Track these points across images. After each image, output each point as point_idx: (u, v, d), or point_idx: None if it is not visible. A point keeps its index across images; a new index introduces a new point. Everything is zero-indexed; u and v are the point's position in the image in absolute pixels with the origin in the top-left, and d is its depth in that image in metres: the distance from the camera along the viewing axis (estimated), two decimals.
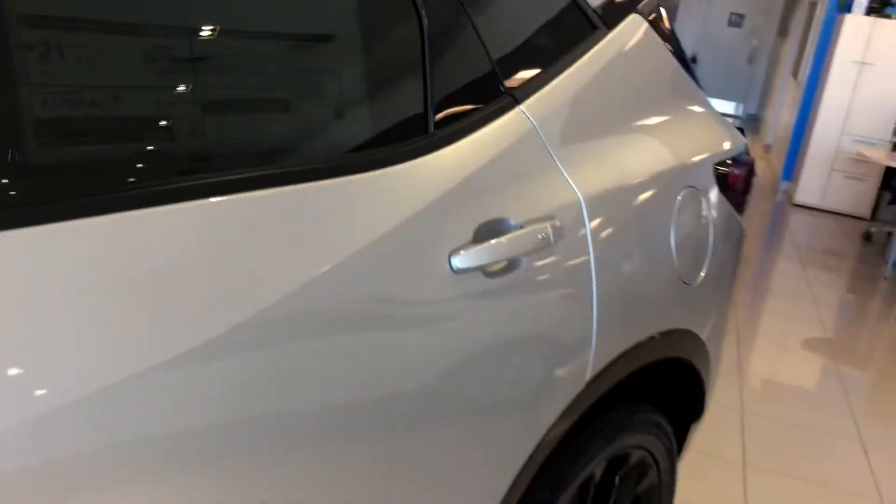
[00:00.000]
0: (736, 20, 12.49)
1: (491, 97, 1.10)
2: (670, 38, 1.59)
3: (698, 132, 1.58)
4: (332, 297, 0.83)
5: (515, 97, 1.14)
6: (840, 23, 6.67)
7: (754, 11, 12.49)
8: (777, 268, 5.20)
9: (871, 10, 6.62)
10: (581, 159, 1.22)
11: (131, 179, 0.72)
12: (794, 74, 8.64)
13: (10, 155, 0.65)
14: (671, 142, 1.45)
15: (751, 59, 12.66)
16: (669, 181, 1.40)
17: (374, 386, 0.89)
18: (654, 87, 1.48)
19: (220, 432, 0.74)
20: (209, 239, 0.75)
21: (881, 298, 4.83)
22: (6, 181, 0.65)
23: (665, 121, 1.47)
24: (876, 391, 3.44)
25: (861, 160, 6.68)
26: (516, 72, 1.15)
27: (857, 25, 6.53)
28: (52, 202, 0.66)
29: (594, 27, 1.34)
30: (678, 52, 1.60)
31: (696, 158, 1.51)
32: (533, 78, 1.18)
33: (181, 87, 0.77)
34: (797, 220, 6.60)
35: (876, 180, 6.77)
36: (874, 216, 6.84)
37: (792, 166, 7.53)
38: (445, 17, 1.05)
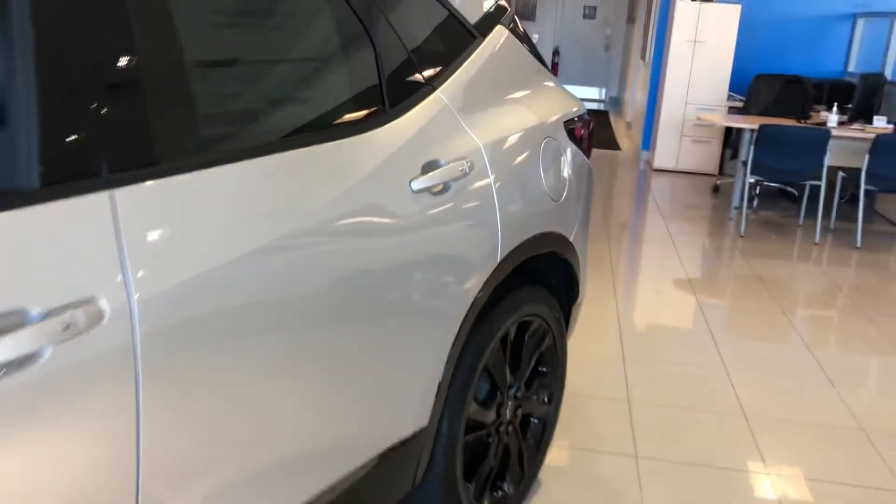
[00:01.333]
0: (590, 13, 13.65)
1: (418, 87, 1.79)
2: (524, 38, 2.32)
3: (552, 102, 2.32)
4: (343, 210, 1.49)
5: (433, 86, 1.83)
6: (673, 8, 7.72)
7: (605, 2, 13.68)
8: (645, 222, 6.10)
9: None
10: (477, 122, 1.92)
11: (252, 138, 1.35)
12: (643, 57, 9.73)
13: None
14: (534, 108, 2.18)
15: (606, 47, 13.85)
16: (535, 133, 2.13)
17: (370, 267, 1.55)
18: (518, 73, 2.20)
19: (285, 286, 1.39)
20: (290, 174, 1.39)
21: (729, 237, 5.81)
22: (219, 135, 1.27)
23: (528, 94, 2.20)
24: (731, 314, 4.31)
25: (704, 125, 7.76)
26: (430, 69, 1.84)
27: (687, 10, 7.59)
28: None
29: (474, 36, 2.05)
30: (532, 48, 2.34)
31: (552, 118, 2.25)
32: (440, 72, 1.87)
33: (251, 78, 1.41)
34: (658, 182, 7.60)
35: (718, 141, 7.87)
36: (721, 171, 7.94)
37: (649, 137, 8.57)
38: (386, 40, 1.73)
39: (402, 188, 1.64)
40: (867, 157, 5.54)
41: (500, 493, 2.25)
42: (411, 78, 1.78)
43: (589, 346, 3.67)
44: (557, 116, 2.29)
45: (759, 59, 8.04)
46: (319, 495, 1.53)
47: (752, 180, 6.03)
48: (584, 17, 13.69)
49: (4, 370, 0.96)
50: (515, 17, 2.36)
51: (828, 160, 5.65)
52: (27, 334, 0.97)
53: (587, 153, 2.46)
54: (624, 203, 6.75)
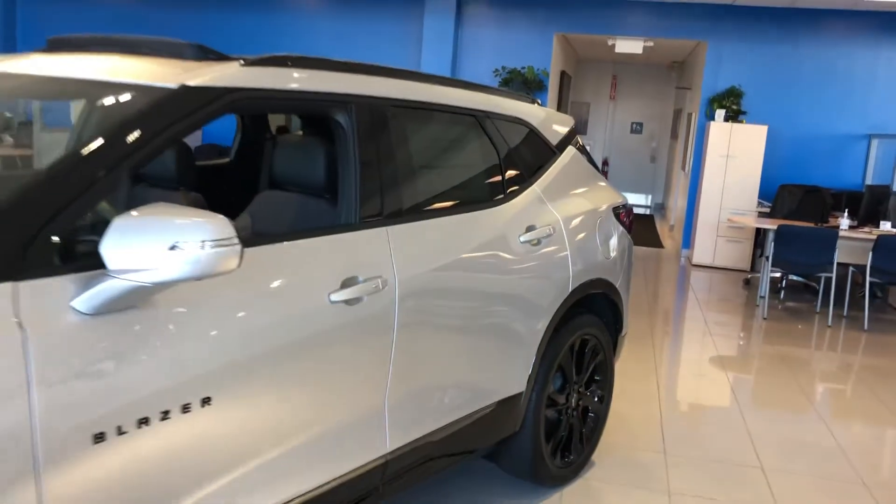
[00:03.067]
0: (637, 128, 15.04)
1: (523, 182, 2.97)
2: (585, 152, 3.52)
3: (604, 195, 3.49)
4: (484, 251, 2.64)
5: (531, 182, 3.02)
6: (708, 128, 8.96)
7: (650, 119, 15.09)
8: (685, 309, 7.12)
9: (728, 118, 8.96)
10: (557, 205, 3.09)
11: (425, 205, 2.54)
12: (683, 168, 10.95)
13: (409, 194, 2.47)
14: (592, 199, 3.35)
15: (653, 159, 15.16)
16: (593, 213, 3.29)
17: (500, 285, 2.69)
18: (581, 176, 3.38)
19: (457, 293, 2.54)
20: (447, 232, 2.56)
21: (756, 322, 6.78)
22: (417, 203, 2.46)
23: (588, 189, 3.38)
24: (756, 386, 5.29)
25: (736, 226, 8.84)
26: (528, 172, 3.03)
27: (720, 129, 8.82)
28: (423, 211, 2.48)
29: (555, 152, 3.25)
30: (589, 158, 3.53)
31: (604, 205, 3.42)
32: (534, 174, 3.06)
33: (427, 175, 2.61)
34: (696, 276, 8.63)
35: (750, 241, 8.92)
36: (752, 268, 8.95)
37: (689, 237, 9.66)
38: (505, 155, 2.93)
39: (514, 241, 2.80)
40: (871, 254, 6.55)
41: (567, 457, 3.29)
42: (518, 177, 2.97)
43: (630, 410, 4.68)
44: (608, 204, 3.45)
45: (783, 171, 9.17)
46: (468, 415, 2.63)
47: (776, 274, 7.03)
48: (632, 132, 15.09)
49: (349, 302, 2.12)
50: (579, 138, 3.57)
51: (838, 257, 6.66)
52: (358, 288, 2.14)
53: (629, 230, 3.60)
54: (667, 293, 7.79)
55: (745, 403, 4.64)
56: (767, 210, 8.43)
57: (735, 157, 8.82)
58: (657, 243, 10.75)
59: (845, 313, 7.17)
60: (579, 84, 14.81)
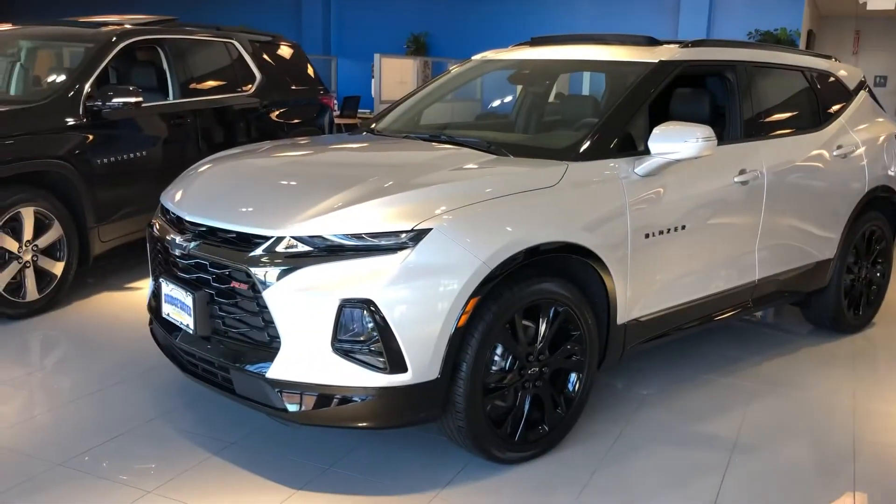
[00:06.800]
0: (881, 81, 15.21)
1: (834, 116, 4.33)
2: (872, 95, 4.77)
3: (887, 125, 4.73)
4: (811, 161, 4.04)
5: (838, 115, 4.37)
6: None
7: (893, 73, 15.16)
8: None
9: None
10: (856, 131, 4.41)
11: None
12: None
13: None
14: (879, 128, 4.63)
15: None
16: (881, 137, 4.56)
17: (819, 184, 4.08)
18: (870, 112, 4.66)
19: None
20: (791, 145, 3.99)
21: None
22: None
23: (875, 122, 4.65)
24: None
25: None
26: (836, 108, 4.38)
27: None
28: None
29: (852, 95, 4.55)
30: (875, 99, 4.78)
31: (887, 133, 4.67)
32: (841, 110, 4.40)
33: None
34: None
35: None
36: None
37: None
38: (822, 94, 4.32)
39: (830, 154, 4.17)
40: None
41: (857, 313, 4.59)
42: (830, 112, 4.32)
43: None
44: (890, 132, 4.68)
45: None
46: (799, 267, 4.07)
47: None
48: (876, 84, 15.26)
49: (743, 182, 3.63)
50: (867, 84, 4.82)
51: None
52: (747, 175, 3.66)
53: None
54: None
55: None
56: None
57: None
58: None
59: None
60: (820, 41, 15.20)
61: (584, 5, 11.62)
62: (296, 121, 6.63)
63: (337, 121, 10.73)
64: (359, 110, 11.56)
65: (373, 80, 11.42)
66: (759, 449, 3.20)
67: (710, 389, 3.76)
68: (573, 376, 3.06)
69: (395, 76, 11.50)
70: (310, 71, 7.11)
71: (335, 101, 11.73)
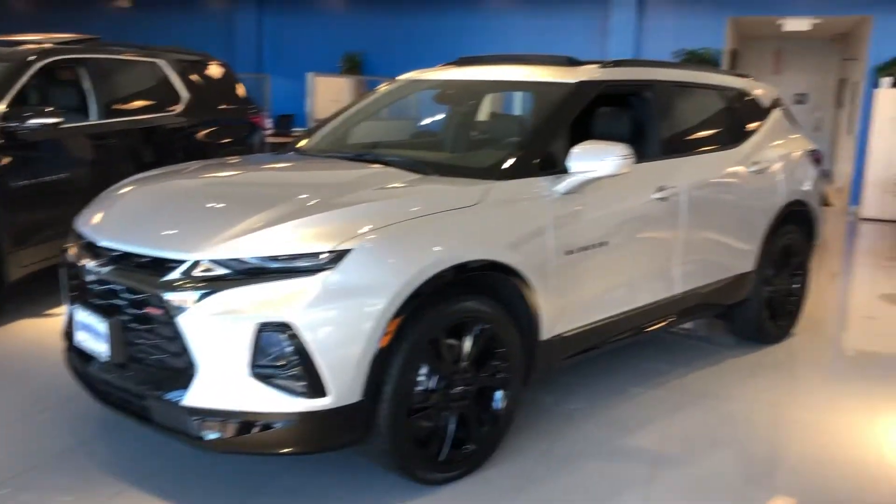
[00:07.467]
0: (801, 99, 15.78)
1: (750, 133, 4.47)
2: (787, 112, 4.95)
3: (801, 142, 4.90)
4: (728, 177, 4.16)
5: (754, 133, 4.51)
6: (876, 94, 9.89)
7: (813, 90, 15.77)
8: (855, 259, 8.24)
9: (894, 85, 9.85)
10: (771, 147, 4.56)
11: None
12: (850, 133, 11.80)
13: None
14: (793, 144, 4.79)
15: (816, 127, 15.83)
16: (795, 154, 4.73)
17: (736, 200, 4.20)
18: (785, 129, 4.83)
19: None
20: (708, 162, 4.10)
21: None
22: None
23: (790, 139, 4.81)
24: None
25: None
26: (752, 125, 4.52)
27: (886, 95, 9.75)
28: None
29: (767, 113, 4.70)
30: (790, 117, 4.95)
31: (801, 150, 4.84)
32: (757, 127, 4.55)
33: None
34: (865, 228, 9.64)
35: None
36: None
37: (857, 193, 10.61)
38: (739, 112, 4.44)
39: (746, 170, 4.29)
40: None
41: (779, 322, 4.73)
42: (746, 130, 4.46)
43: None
44: (804, 149, 4.86)
45: None
46: (719, 280, 4.17)
47: None
48: (796, 102, 15.83)
49: (661, 199, 3.72)
50: (783, 101, 4.99)
51: None
52: (665, 192, 3.75)
53: (819, 167, 4.99)
54: (837, 244, 8.91)
55: None
56: None
57: None
58: (826, 202, 11.67)
59: None
60: (744, 60, 15.72)
61: (517, 26, 11.80)
62: (225, 140, 6.54)
63: (271, 139, 10.62)
64: (293, 129, 11.46)
65: (307, 99, 11.35)
66: (682, 461, 3.25)
67: (638, 402, 3.82)
68: (499, 394, 3.07)
69: (330, 95, 11.45)
70: (240, 90, 7.03)
71: (268, 120, 11.63)
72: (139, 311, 2.69)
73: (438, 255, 2.74)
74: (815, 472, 3.21)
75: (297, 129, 11.40)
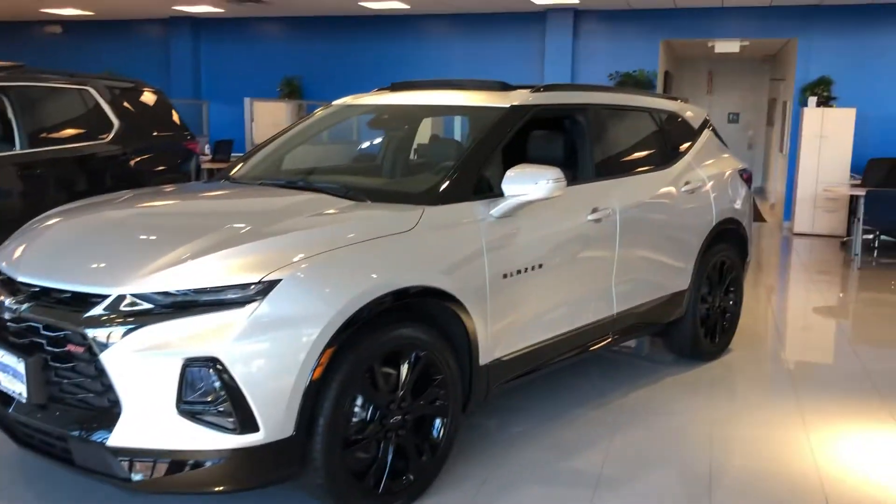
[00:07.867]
0: (734, 118, 16.25)
1: (680, 154, 4.56)
2: (716, 133, 5.06)
3: (731, 162, 5.02)
4: (660, 198, 4.23)
5: (685, 154, 4.60)
6: (802, 113, 10.23)
7: (745, 109, 16.26)
8: (789, 274, 8.47)
9: (820, 104, 10.21)
10: (701, 167, 4.66)
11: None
12: (781, 150, 12.18)
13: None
14: (723, 164, 4.90)
15: (749, 146, 16.31)
16: (725, 173, 4.84)
17: (669, 219, 4.27)
18: (714, 149, 4.94)
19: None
20: (641, 183, 4.17)
21: (854, 277, 8.07)
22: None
23: (720, 158, 4.93)
24: (862, 329, 6.65)
25: (831, 196, 10.08)
26: (683, 147, 4.62)
27: (813, 114, 10.09)
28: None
29: (697, 133, 4.81)
30: (719, 137, 5.08)
31: (732, 169, 4.95)
32: (687, 148, 4.64)
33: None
34: (797, 242, 9.92)
35: (845, 209, 10.14)
36: (848, 233, 10.16)
37: (789, 210, 10.93)
38: (669, 134, 4.53)
39: (678, 190, 4.37)
40: None
41: (714, 340, 4.81)
42: (677, 151, 4.55)
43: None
44: (734, 168, 4.97)
45: (872, 148, 10.34)
46: (656, 299, 4.22)
47: (869, 235, 8.29)
48: (729, 122, 16.29)
49: (596, 220, 3.77)
50: (712, 123, 5.11)
51: None
52: (600, 213, 3.79)
53: (749, 186, 5.11)
54: (772, 258, 9.14)
55: (845, 327, 6.06)
56: (859, 182, 9.65)
57: (828, 138, 10.07)
58: (760, 219, 12.00)
59: None
60: (678, 81, 16.12)
61: (456, 52, 11.90)
62: (159, 168, 6.39)
63: (209, 165, 10.46)
64: (232, 154, 11.32)
65: (246, 124, 11.23)
66: (624, 481, 3.26)
67: (579, 424, 3.82)
68: (437, 422, 3.03)
69: (269, 119, 11.36)
70: (174, 116, 6.89)
71: (206, 146, 11.46)
72: (60, 349, 2.59)
73: (374, 282, 2.70)
74: (755, 487, 3.25)
75: (237, 155, 11.25)
